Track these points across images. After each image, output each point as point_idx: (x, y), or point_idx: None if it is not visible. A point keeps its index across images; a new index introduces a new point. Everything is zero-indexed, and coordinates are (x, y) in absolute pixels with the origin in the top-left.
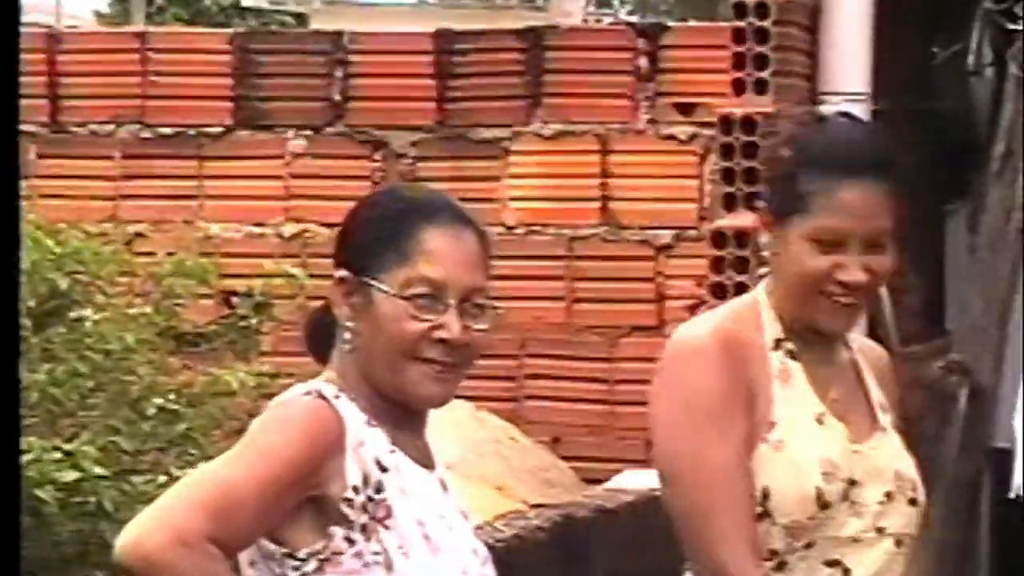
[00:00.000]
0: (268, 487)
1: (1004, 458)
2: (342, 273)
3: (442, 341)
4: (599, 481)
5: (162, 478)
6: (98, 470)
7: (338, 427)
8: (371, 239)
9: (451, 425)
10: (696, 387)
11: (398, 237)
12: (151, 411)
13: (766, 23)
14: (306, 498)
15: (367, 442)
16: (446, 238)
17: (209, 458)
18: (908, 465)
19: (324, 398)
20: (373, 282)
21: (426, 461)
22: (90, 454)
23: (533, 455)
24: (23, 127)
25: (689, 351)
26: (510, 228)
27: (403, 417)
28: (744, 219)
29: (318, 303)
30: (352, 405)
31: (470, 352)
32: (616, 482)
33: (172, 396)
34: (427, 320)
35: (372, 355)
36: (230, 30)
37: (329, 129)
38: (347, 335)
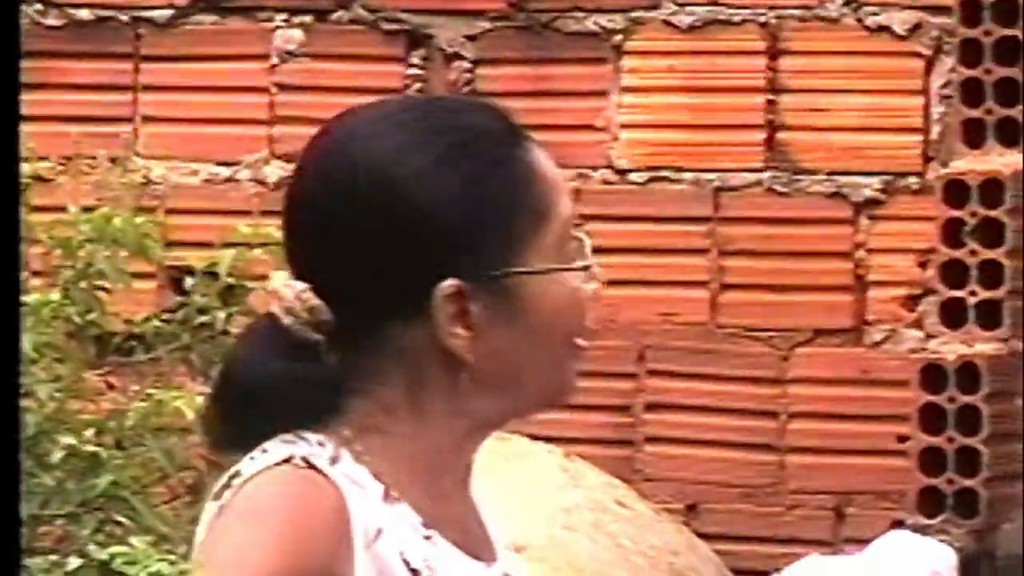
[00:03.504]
0: None
1: None
2: (452, 284)
3: (594, 298)
4: (759, 574)
5: (74, 561)
6: None
7: (338, 515)
8: (486, 209)
9: (522, 482)
10: None
11: (524, 181)
12: (56, 455)
13: None
14: None
15: (386, 530)
16: (542, 154)
17: (149, 530)
18: None
19: (313, 466)
20: (532, 267)
21: (479, 544)
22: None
23: (655, 531)
24: None
25: None
26: (622, 173)
27: (443, 470)
28: (997, 160)
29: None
30: (361, 469)
31: None
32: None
33: (90, 432)
34: (595, 279)
35: (522, 371)
36: None
37: (339, 14)
38: (459, 368)
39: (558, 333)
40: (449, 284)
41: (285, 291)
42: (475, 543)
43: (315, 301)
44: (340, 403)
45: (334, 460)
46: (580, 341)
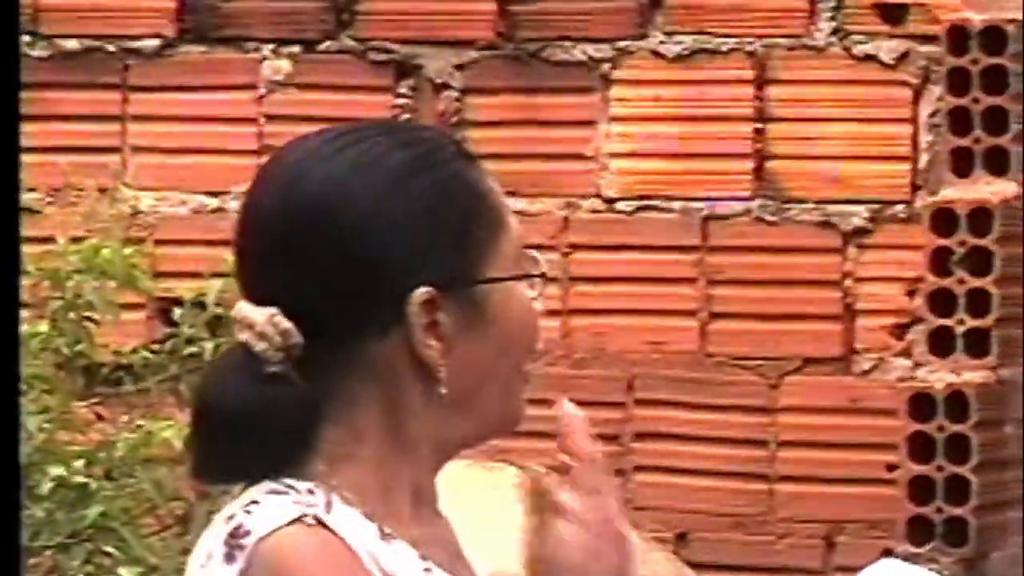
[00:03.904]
0: None
1: None
2: (426, 292)
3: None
4: None
5: None
6: None
7: (354, 569)
8: (447, 220)
9: (511, 512)
10: None
11: (477, 196)
12: (46, 487)
13: None
14: None
15: (396, 571)
16: (487, 173)
17: (138, 561)
18: None
19: (322, 523)
20: (493, 276)
21: (465, 569)
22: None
23: (645, 561)
24: None
25: None
26: (611, 202)
27: (421, 497)
28: (985, 188)
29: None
30: (353, 512)
31: None
32: None
33: (80, 463)
34: (538, 300)
35: (484, 389)
36: None
37: (327, 44)
38: (431, 382)
39: (518, 348)
40: (423, 291)
41: (256, 316)
42: (463, 569)
43: (287, 324)
44: (312, 432)
45: (328, 507)
46: (528, 366)
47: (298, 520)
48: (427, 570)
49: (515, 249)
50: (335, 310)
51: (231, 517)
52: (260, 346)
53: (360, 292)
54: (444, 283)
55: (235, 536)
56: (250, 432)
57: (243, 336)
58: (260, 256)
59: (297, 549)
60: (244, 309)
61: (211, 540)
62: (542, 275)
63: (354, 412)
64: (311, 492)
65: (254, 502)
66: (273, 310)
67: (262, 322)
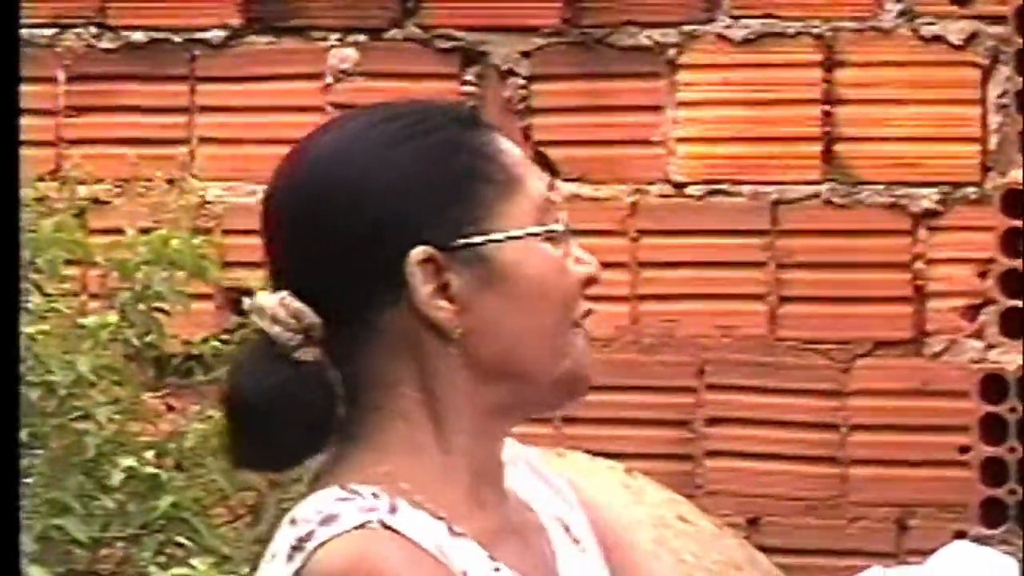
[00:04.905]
0: None
1: None
2: (423, 251)
3: (590, 282)
4: None
5: None
6: (35, 573)
7: (419, 569)
8: (445, 179)
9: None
10: None
11: (483, 156)
12: (117, 478)
13: None
14: None
15: (468, 570)
16: (504, 138)
17: (211, 551)
18: None
19: (389, 527)
20: (503, 233)
21: (534, 554)
22: (21, 547)
23: (717, 545)
24: None
25: None
26: (679, 187)
27: (480, 478)
28: None
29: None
30: (420, 513)
31: None
32: None
33: (150, 454)
34: (585, 262)
35: (519, 349)
36: None
37: (393, 32)
38: (456, 350)
39: (546, 305)
40: (419, 251)
41: (267, 302)
42: (542, 546)
43: (297, 304)
44: (358, 424)
45: (394, 510)
46: (572, 326)
47: (362, 526)
48: (496, 570)
49: (534, 208)
50: (342, 284)
51: (295, 521)
52: (275, 330)
53: (361, 261)
54: (445, 243)
55: (301, 540)
56: (275, 417)
57: (261, 324)
58: (271, 243)
59: (362, 552)
60: (258, 297)
61: (278, 541)
62: (552, 231)
63: (391, 393)
64: (375, 496)
65: (320, 510)
66: (283, 293)
67: (273, 306)
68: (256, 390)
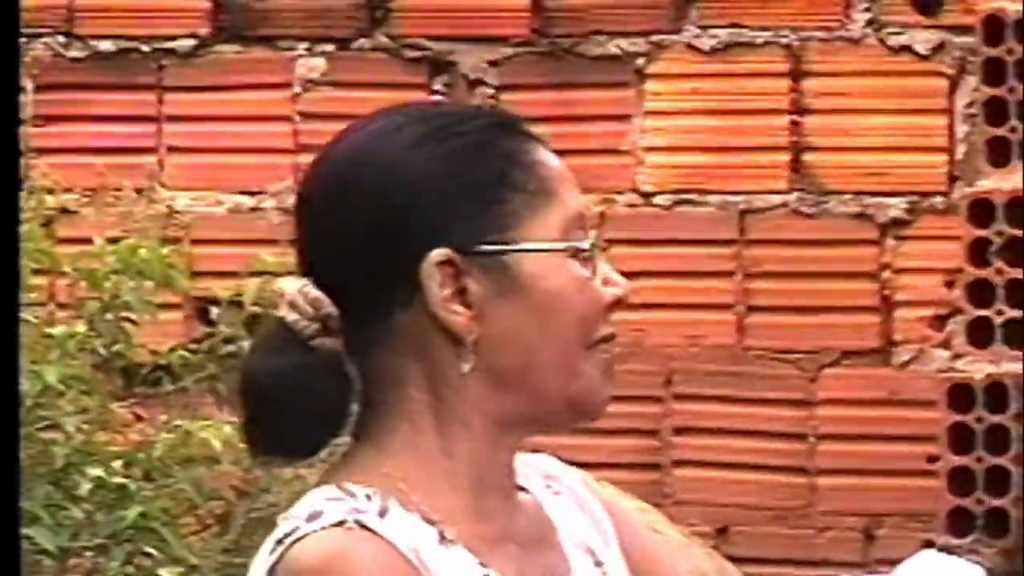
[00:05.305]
0: None
1: None
2: (442, 253)
3: (616, 304)
4: None
5: None
6: None
7: (392, 571)
8: (473, 182)
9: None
10: None
11: (517, 163)
12: (85, 487)
13: None
14: None
15: None
16: (543, 149)
17: (179, 561)
18: None
19: (365, 527)
20: (527, 244)
21: (536, 564)
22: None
23: (686, 555)
24: None
25: None
26: (647, 196)
27: (486, 486)
28: (1022, 178)
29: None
30: (412, 517)
31: None
32: None
33: (118, 464)
34: (614, 283)
35: (534, 364)
36: None
37: (361, 42)
38: (468, 357)
39: (562, 322)
40: (438, 252)
41: (288, 289)
42: (534, 568)
43: (316, 293)
44: (367, 421)
45: (383, 513)
46: (594, 348)
47: (340, 524)
48: None
49: (563, 223)
50: (360, 278)
51: (287, 517)
52: (292, 316)
53: (380, 257)
54: (466, 247)
55: (286, 534)
56: (286, 401)
57: (280, 310)
58: (298, 230)
59: (335, 549)
60: (281, 283)
61: (270, 538)
62: (578, 249)
63: (400, 394)
64: (368, 498)
65: (310, 506)
66: (304, 281)
67: (293, 293)
68: (268, 372)
